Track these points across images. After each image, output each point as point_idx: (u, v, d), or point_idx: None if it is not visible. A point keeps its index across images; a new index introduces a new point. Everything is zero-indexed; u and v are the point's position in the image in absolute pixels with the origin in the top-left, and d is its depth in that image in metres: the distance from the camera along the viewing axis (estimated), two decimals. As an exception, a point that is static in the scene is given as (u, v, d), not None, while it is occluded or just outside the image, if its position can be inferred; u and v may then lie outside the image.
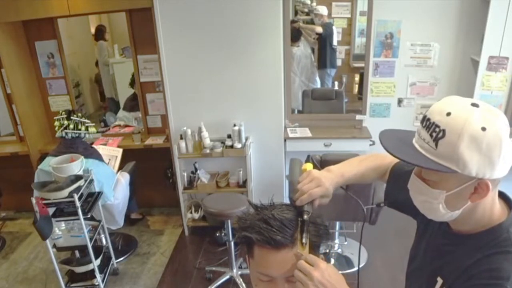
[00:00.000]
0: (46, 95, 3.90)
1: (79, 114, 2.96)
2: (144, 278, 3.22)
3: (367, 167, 1.15)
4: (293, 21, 4.12)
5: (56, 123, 2.91)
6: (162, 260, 3.42)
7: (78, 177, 2.65)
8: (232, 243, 2.95)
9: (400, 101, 3.62)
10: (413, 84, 3.56)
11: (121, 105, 4.33)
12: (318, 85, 4.43)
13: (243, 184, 3.53)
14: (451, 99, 0.85)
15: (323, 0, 4.27)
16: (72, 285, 2.89)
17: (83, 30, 4.33)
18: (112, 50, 4.32)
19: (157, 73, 3.48)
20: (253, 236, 0.87)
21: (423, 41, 3.41)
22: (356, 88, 4.30)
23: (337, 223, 3.32)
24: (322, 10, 4.21)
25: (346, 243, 3.35)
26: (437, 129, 0.81)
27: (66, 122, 2.88)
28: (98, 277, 2.82)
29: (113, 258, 3.23)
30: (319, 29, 4.24)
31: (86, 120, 2.99)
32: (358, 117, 3.67)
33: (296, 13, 4.56)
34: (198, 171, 3.57)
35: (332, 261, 3.25)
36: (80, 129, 2.92)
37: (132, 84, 3.98)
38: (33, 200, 2.50)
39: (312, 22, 4.40)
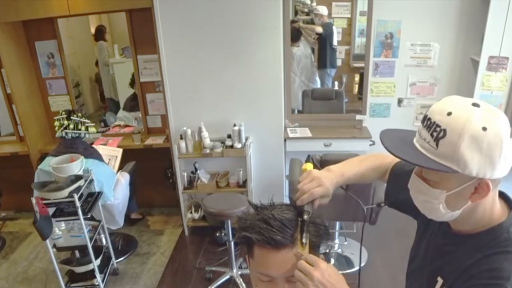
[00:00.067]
0: (46, 95, 3.90)
1: (79, 114, 2.96)
2: (144, 278, 3.22)
3: (367, 167, 1.15)
4: (293, 21, 4.12)
5: (56, 123, 2.91)
6: (162, 260, 3.42)
7: (78, 177, 2.65)
8: (232, 243, 2.95)
9: (400, 101, 3.62)
10: (413, 84, 3.56)
11: (121, 105, 4.33)
12: (318, 85, 4.43)
13: (243, 184, 3.53)
14: (452, 99, 0.85)
15: (323, 0, 4.27)
16: (72, 285, 2.89)
17: (83, 30, 4.33)
18: (112, 50, 4.32)
19: (157, 73, 3.48)
20: (253, 236, 0.87)
21: (423, 41, 3.41)
22: (356, 88, 4.29)
23: (337, 223, 3.32)
24: (322, 10, 4.21)
25: (346, 243, 3.35)
26: (438, 129, 0.81)
27: (66, 122, 2.88)
28: (98, 277, 2.82)
29: (113, 258, 3.23)
30: (319, 29, 4.24)
31: (86, 120, 2.98)
32: (358, 117, 3.67)
33: (296, 13, 4.56)
34: (198, 171, 3.57)
35: (332, 261, 3.25)
36: (80, 129, 2.92)
37: (132, 84, 3.98)
38: (33, 200, 2.50)
39: (312, 22, 4.40)
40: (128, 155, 3.54)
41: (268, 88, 3.34)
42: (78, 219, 2.60)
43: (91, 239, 2.71)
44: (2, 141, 4.07)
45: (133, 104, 4.06)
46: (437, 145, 0.81)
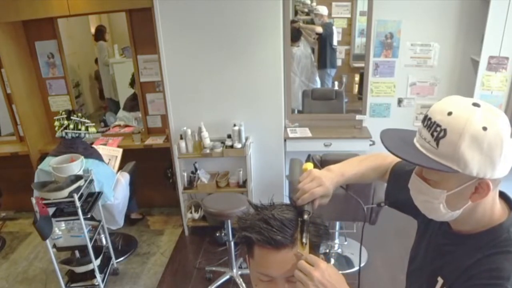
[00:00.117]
0: (46, 95, 3.90)
1: (79, 114, 2.96)
2: (144, 278, 3.22)
3: (367, 166, 1.15)
4: (293, 21, 4.12)
5: (56, 123, 2.91)
6: (162, 260, 3.42)
7: (78, 177, 2.65)
8: (232, 243, 2.95)
9: (400, 101, 3.62)
10: (413, 84, 3.56)
11: (121, 105, 4.33)
12: (318, 85, 4.43)
13: (243, 184, 3.53)
14: (452, 99, 0.85)
15: (323, 0, 4.27)
16: (72, 285, 2.89)
17: (83, 30, 4.33)
18: (112, 50, 4.32)
19: (157, 73, 3.48)
20: (253, 236, 0.87)
21: (423, 41, 3.41)
22: (356, 88, 4.29)
23: (337, 223, 3.32)
24: (322, 10, 4.21)
25: (346, 243, 3.35)
26: (438, 129, 0.81)
27: (66, 122, 2.88)
28: (98, 277, 2.82)
29: (113, 258, 3.22)
30: (319, 29, 4.24)
31: (86, 120, 2.98)
32: (358, 117, 3.67)
33: (296, 13, 4.56)
34: (198, 171, 3.57)
35: (332, 261, 3.25)
36: (80, 129, 2.92)
37: (132, 84, 3.98)
38: (33, 200, 2.50)
39: (312, 22, 4.40)
40: (128, 155, 3.54)
41: (268, 88, 3.34)
42: (78, 219, 2.60)
43: (91, 239, 2.71)
44: (2, 141, 4.07)
45: (133, 104, 4.06)
46: (437, 144, 0.81)
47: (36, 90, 3.85)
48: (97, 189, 2.89)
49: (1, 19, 3.32)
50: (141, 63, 3.67)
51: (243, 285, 2.96)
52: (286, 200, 1.10)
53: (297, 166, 1.12)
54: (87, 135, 3.01)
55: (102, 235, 3.14)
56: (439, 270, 0.97)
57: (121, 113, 4.25)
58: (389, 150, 0.86)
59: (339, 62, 4.44)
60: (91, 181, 2.79)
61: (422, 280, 1.03)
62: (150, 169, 3.79)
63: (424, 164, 0.83)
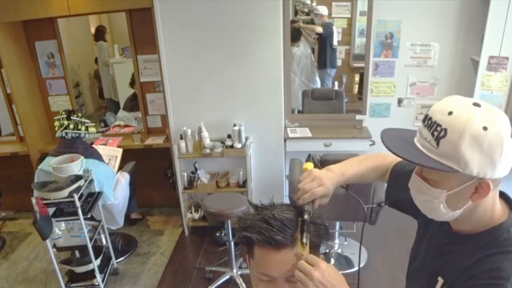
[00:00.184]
0: (46, 95, 3.90)
1: (79, 114, 2.96)
2: (144, 278, 3.21)
3: (367, 166, 1.15)
4: (293, 21, 4.12)
5: (56, 123, 2.90)
6: (162, 260, 3.42)
7: (78, 177, 2.65)
8: (232, 243, 2.95)
9: (400, 101, 3.62)
10: (413, 84, 3.56)
11: (121, 105, 4.33)
12: (318, 85, 4.43)
13: (243, 184, 3.53)
14: (452, 99, 0.85)
15: (323, 0, 4.27)
16: (72, 285, 2.89)
17: (83, 30, 4.33)
18: (112, 50, 4.32)
19: (157, 73, 3.48)
20: (254, 236, 0.87)
21: (423, 41, 3.41)
22: (356, 88, 4.29)
23: (337, 223, 3.32)
24: (322, 10, 4.21)
25: (346, 243, 3.35)
26: (438, 128, 0.81)
27: (66, 122, 2.88)
28: (98, 277, 2.82)
29: (113, 258, 3.22)
30: (319, 29, 4.24)
31: (86, 120, 2.98)
32: (358, 117, 3.67)
33: (296, 13, 4.56)
34: (198, 171, 3.57)
35: (332, 261, 3.25)
36: (80, 129, 2.92)
37: (132, 84, 3.98)
38: (33, 200, 2.50)
39: (312, 22, 4.40)
40: (128, 155, 3.54)
41: (268, 88, 3.34)
42: (78, 219, 2.59)
43: (91, 239, 2.71)
44: (2, 141, 4.07)
45: (133, 104, 4.06)
46: (437, 144, 0.81)
47: (36, 90, 3.85)
48: (97, 189, 2.89)
49: (1, 19, 3.32)
50: (141, 63, 3.67)
51: (243, 285, 2.96)
52: (286, 200, 1.10)
53: (297, 166, 1.12)
54: (87, 135, 3.01)
55: (102, 235, 3.14)
56: (439, 270, 0.97)
57: (121, 113, 4.25)
58: (389, 150, 0.86)
59: (339, 62, 4.44)
60: (91, 181, 2.79)
61: (422, 280, 1.03)
62: (150, 169, 3.79)
63: (425, 163, 0.83)
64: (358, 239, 3.35)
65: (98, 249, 2.92)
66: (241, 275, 3.03)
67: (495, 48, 3.05)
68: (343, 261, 3.26)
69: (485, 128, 0.78)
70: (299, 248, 0.86)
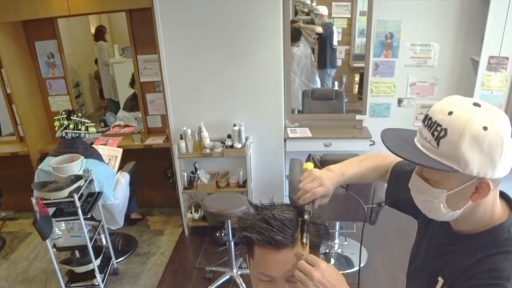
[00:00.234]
0: (46, 95, 3.90)
1: (79, 114, 2.96)
2: (144, 278, 3.21)
3: (367, 166, 1.15)
4: (293, 21, 4.12)
5: (56, 123, 2.90)
6: (162, 260, 3.42)
7: (78, 177, 2.65)
8: (232, 243, 2.95)
9: (400, 101, 3.62)
10: (413, 84, 3.56)
11: (121, 105, 4.33)
12: (318, 85, 4.43)
13: (243, 184, 3.53)
14: (453, 99, 0.85)
15: (323, 0, 4.27)
16: (72, 285, 2.89)
17: (83, 30, 4.33)
18: (112, 50, 4.32)
19: (157, 73, 3.48)
20: (254, 236, 0.87)
21: (423, 41, 3.41)
22: (356, 88, 4.29)
23: (337, 223, 3.32)
24: (322, 10, 4.21)
25: (346, 243, 3.35)
26: (439, 128, 0.81)
27: (66, 122, 2.88)
28: (98, 277, 2.82)
29: (113, 258, 3.22)
30: (319, 29, 4.24)
31: (86, 120, 2.98)
32: (358, 117, 3.67)
33: (296, 13, 4.56)
34: (198, 171, 3.57)
35: (332, 261, 3.25)
36: (80, 129, 2.92)
37: (132, 84, 3.98)
38: (33, 200, 2.50)
39: (312, 22, 4.40)
40: (128, 155, 3.54)
41: (268, 88, 3.34)
42: (78, 219, 2.59)
43: (91, 239, 2.71)
44: (2, 141, 4.07)
45: (133, 104, 4.05)
46: (438, 144, 0.81)
47: (36, 90, 3.85)
48: (97, 189, 2.89)
49: (1, 19, 3.32)
50: (141, 63, 3.67)
51: (243, 285, 2.96)
52: (286, 200, 1.10)
53: (297, 166, 1.12)
54: (87, 135, 3.01)
55: (102, 235, 3.14)
56: (439, 270, 0.97)
57: (121, 113, 4.25)
58: (389, 150, 0.86)
59: (339, 62, 4.44)
60: (91, 181, 2.79)
61: (423, 280, 1.03)
62: (150, 169, 3.79)
63: (425, 163, 0.83)
64: (358, 239, 3.35)
65: (98, 249, 2.92)
66: (241, 275, 3.03)
67: (495, 48, 3.05)
68: (343, 261, 3.26)
69: (485, 128, 0.78)
70: (299, 248, 0.86)
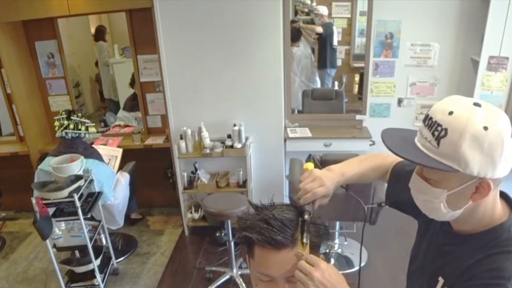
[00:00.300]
0: (46, 95, 3.90)
1: (79, 114, 2.96)
2: (144, 278, 3.21)
3: (368, 166, 1.15)
4: (293, 21, 4.12)
5: (56, 123, 2.90)
6: (162, 260, 3.42)
7: (78, 177, 2.65)
8: (232, 243, 2.95)
9: (400, 101, 3.62)
10: (413, 84, 3.56)
11: (121, 105, 4.33)
12: (318, 85, 4.43)
13: (243, 184, 3.52)
14: (453, 99, 0.85)
15: (323, 0, 4.27)
16: (72, 285, 2.89)
17: (83, 30, 4.33)
18: (112, 50, 4.32)
19: (157, 73, 3.48)
20: (254, 236, 0.87)
21: (423, 41, 3.41)
22: (356, 88, 4.30)
23: (337, 223, 3.32)
24: (322, 10, 4.21)
25: (346, 243, 3.35)
26: (439, 128, 0.81)
27: (66, 122, 2.88)
28: (98, 277, 2.82)
29: (113, 258, 3.22)
30: (319, 29, 4.24)
31: (86, 120, 2.98)
32: (358, 117, 3.67)
33: (296, 13, 4.56)
34: (198, 171, 3.57)
35: (332, 261, 3.25)
36: (80, 129, 2.92)
37: (132, 84, 3.98)
38: (33, 200, 2.50)
39: (312, 22, 4.40)
40: (128, 155, 3.54)
41: (268, 88, 3.34)
42: (78, 219, 2.59)
43: (91, 239, 2.71)
44: (2, 141, 4.07)
45: (133, 104, 4.05)
46: (438, 144, 0.81)
47: (36, 90, 3.85)
48: (97, 189, 2.89)
49: (1, 19, 3.32)
50: (141, 63, 3.67)
51: (243, 285, 2.95)
52: (286, 200, 1.10)
53: (298, 166, 1.12)
54: (87, 135, 3.01)
55: (102, 235, 3.14)
56: (440, 270, 0.97)
57: (121, 113, 4.25)
58: (390, 149, 0.86)
59: (339, 62, 4.44)
60: (91, 181, 2.79)
61: (423, 280, 1.03)
62: (150, 169, 3.79)
63: (425, 163, 0.83)
64: (358, 239, 3.35)
65: (98, 249, 2.92)
66: (241, 275, 3.03)
67: (495, 48, 3.05)
68: (343, 261, 3.26)
69: (485, 128, 0.78)
70: (299, 248, 0.86)
